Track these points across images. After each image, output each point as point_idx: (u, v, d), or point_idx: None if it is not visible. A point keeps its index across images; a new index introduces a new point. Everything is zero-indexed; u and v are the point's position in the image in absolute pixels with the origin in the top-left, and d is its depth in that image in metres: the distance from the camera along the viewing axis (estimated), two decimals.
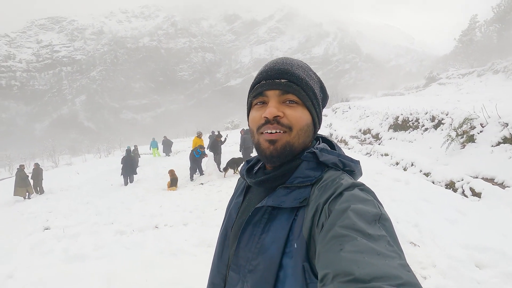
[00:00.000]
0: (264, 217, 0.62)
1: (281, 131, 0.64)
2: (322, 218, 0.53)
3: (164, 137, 19.68)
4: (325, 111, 30.90)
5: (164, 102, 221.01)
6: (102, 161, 25.64)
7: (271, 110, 0.64)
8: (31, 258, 3.35)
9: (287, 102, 0.66)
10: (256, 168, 0.78)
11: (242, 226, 0.65)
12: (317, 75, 0.76)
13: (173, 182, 9.03)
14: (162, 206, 6.67)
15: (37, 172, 12.00)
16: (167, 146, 19.08)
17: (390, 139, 11.50)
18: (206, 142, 14.95)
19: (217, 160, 10.73)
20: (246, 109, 0.75)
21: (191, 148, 11.31)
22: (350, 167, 0.67)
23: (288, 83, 0.66)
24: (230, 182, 8.57)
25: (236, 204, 0.76)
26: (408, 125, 10.91)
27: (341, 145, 14.03)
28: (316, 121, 0.71)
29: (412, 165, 8.14)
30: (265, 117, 0.64)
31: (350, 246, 0.43)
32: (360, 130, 15.14)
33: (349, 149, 12.82)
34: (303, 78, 0.67)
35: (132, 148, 15.58)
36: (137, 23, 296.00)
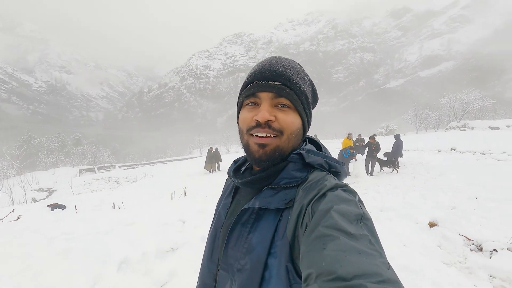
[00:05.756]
0: (251, 217, 0.63)
1: (272, 135, 0.64)
2: (305, 219, 0.54)
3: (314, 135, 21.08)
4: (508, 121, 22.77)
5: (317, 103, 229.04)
6: None
7: (263, 114, 0.63)
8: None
9: (279, 105, 0.65)
10: (243, 168, 0.78)
11: (230, 227, 0.66)
12: (309, 78, 0.74)
13: None
14: None
15: (217, 155, 15.78)
16: None
17: None
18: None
19: (373, 163, 10.58)
20: (237, 108, 0.75)
21: (340, 149, 11.59)
22: (336, 168, 0.68)
23: (281, 86, 0.65)
24: (378, 187, 8.26)
25: (225, 205, 0.77)
26: None
27: None
28: (306, 124, 0.71)
29: None
30: (256, 120, 0.64)
31: (332, 245, 0.44)
32: None
33: None
34: (297, 82, 0.67)
35: None
36: (300, 30, 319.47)
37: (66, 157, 45.89)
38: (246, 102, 0.69)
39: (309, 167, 0.67)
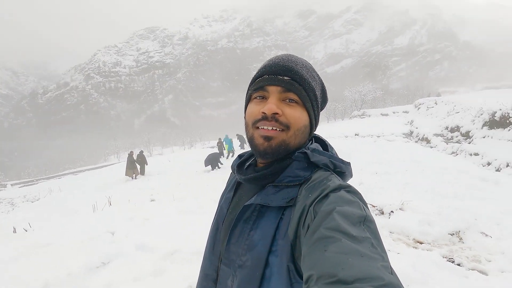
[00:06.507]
0: (253, 214, 0.63)
1: (278, 129, 0.64)
2: (308, 220, 0.53)
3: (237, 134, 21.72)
4: (406, 107, 28.27)
5: (238, 100, 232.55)
6: (186, 152, 29.21)
7: (270, 106, 0.63)
8: (156, 211, 4.64)
9: (287, 100, 0.65)
10: (247, 164, 0.77)
11: (233, 223, 0.65)
12: (319, 77, 0.74)
13: None
14: None
15: (141, 158, 14.73)
16: (242, 141, 21.02)
17: (484, 137, 10.19)
18: None
19: None
20: (245, 101, 0.75)
21: None
22: (341, 168, 0.67)
23: (290, 81, 0.65)
24: None
25: (227, 199, 0.77)
26: (508, 121, 9.52)
27: (423, 144, 12.98)
28: (313, 122, 0.70)
29: (507, 165, 7.25)
30: (263, 112, 0.63)
31: (334, 247, 0.43)
32: (446, 128, 13.68)
33: (432, 147, 11.82)
34: (306, 78, 0.67)
35: (217, 141, 17.67)
36: (217, 26, 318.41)
37: None
38: (255, 95, 0.68)
39: (314, 166, 0.66)
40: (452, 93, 39.58)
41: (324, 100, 0.76)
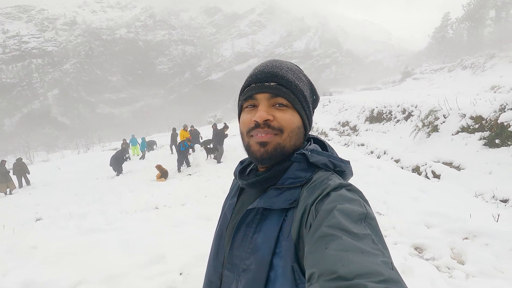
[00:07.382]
0: (256, 217, 0.63)
1: (272, 134, 0.65)
2: (309, 219, 0.54)
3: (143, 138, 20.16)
4: None
5: (143, 96, 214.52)
6: (81, 156, 25.14)
7: (261, 114, 0.64)
8: (47, 235, 3.69)
9: (277, 105, 0.66)
10: (249, 169, 0.79)
11: (235, 227, 0.66)
12: (307, 78, 0.76)
13: (164, 174, 9.35)
14: (154, 195, 7.00)
15: (20, 166, 11.90)
16: (150, 145, 19.58)
17: (366, 130, 12.32)
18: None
19: (220, 151, 10.94)
20: (237, 112, 0.76)
21: (178, 141, 11.61)
22: (341, 168, 0.67)
23: (277, 86, 0.66)
24: (217, 172, 8.99)
25: (230, 205, 0.78)
26: (382, 117, 11.76)
27: (322, 137, 14.72)
28: (307, 122, 0.71)
29: (384, 153, 8.94)
30: (255, 121, 0.65)
31: (335, 245, 0.44)
32: (339, 123, 15.95)
33: (329, 140, 13.56)
34: (293, 81, 0.68)
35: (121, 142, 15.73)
36: (113, 13, 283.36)
37: None
38: (245, 105, 0.70)
39: (314, 167, 0.66)
40: (340, 93, 46.57)
41: (315, 99, 0.77)
